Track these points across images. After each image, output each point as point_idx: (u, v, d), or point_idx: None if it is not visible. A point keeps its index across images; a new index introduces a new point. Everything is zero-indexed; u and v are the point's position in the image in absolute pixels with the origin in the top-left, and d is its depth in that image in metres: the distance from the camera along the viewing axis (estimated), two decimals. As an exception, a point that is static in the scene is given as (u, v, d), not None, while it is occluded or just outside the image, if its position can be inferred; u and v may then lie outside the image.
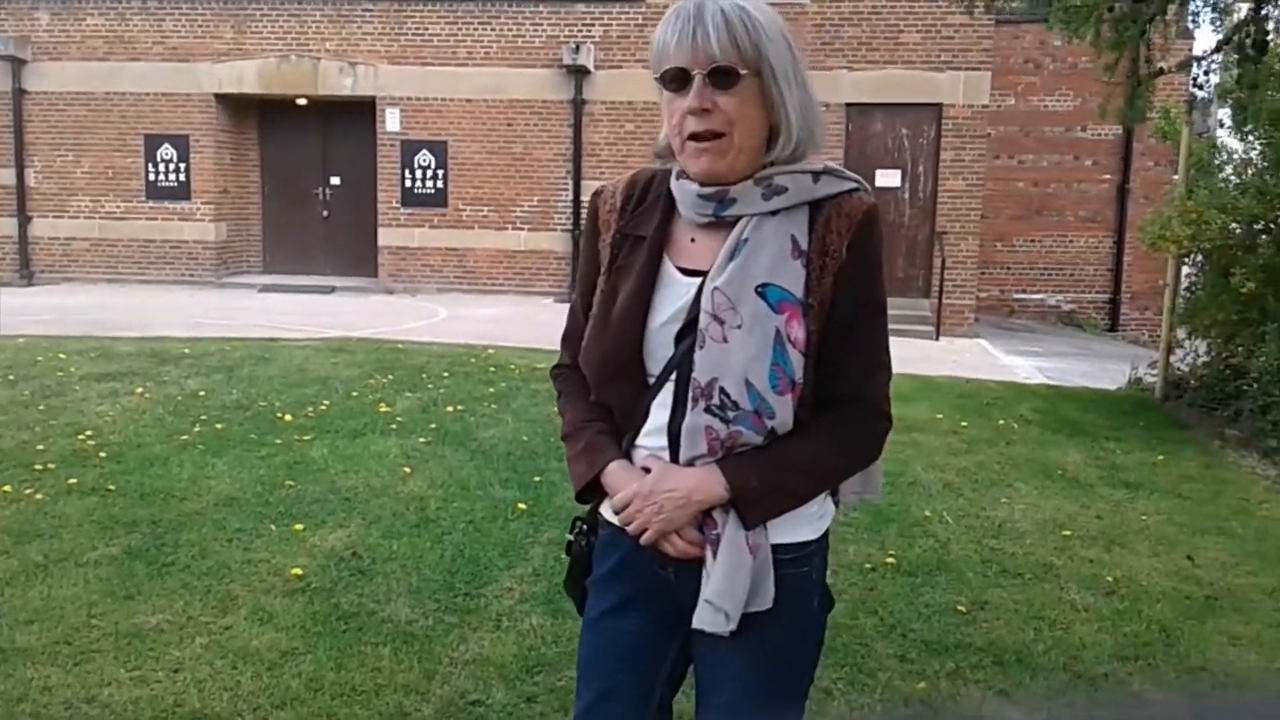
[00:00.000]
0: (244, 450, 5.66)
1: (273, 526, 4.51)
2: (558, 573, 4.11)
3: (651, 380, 1.65)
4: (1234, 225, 7.53)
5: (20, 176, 14.98)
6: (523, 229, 14.71)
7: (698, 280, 1.61)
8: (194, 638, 3.46)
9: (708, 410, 1.56)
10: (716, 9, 1.54)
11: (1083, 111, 15.38)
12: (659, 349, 1.64)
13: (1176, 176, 8.36)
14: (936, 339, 12.98)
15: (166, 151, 14.90)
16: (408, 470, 5.38)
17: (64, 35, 14.86)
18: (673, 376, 1.62)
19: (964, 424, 7.17)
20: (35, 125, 14.98)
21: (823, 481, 1.67)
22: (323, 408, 6.67)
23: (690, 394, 1.58)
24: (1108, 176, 16.14)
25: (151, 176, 14.99)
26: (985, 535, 4.83)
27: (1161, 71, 5.33)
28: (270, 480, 5.15)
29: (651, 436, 1.65)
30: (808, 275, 1.57)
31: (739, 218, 1.60)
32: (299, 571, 4.01)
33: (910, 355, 10.96)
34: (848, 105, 13.91)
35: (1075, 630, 3.82)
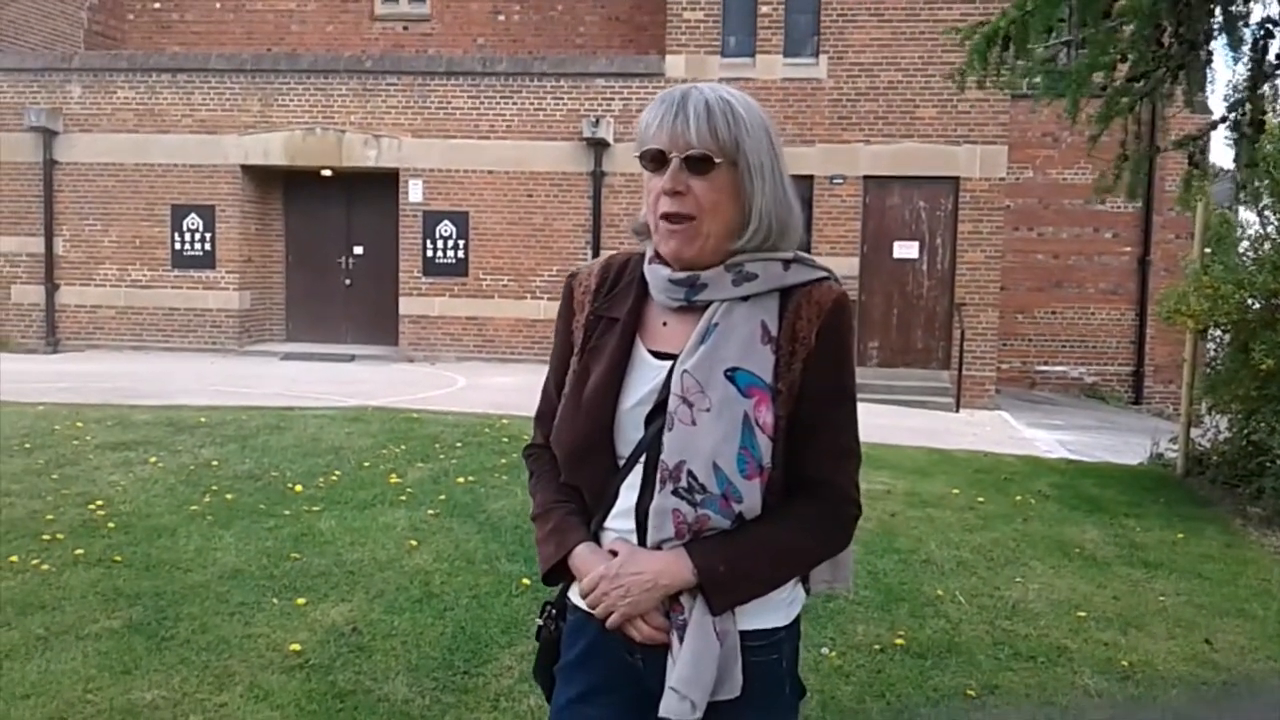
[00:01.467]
0: (252, 521, 5.65)
1: (275, 600, 4.48)
2: (559, 651, 4.06)
3: (621, 462, 1.66)
4: (1251, 300, 7.48)
5: (49, 245, 15.24)
6: (542, 298, 14.80)
7: (669, 363, 1.63)
8: (188, 716, 3.43)
9: (675, 493, 1.57)
10: (701, 98, 1.59)
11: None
12: (629, 431, 1.65)
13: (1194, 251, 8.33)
14: (957, 411, 12.89)
15: (193, 221, 15.14)
16: (414, 543, 5.35)
17: (95, 107, 15.21)
18: (642, 459, 1.63)
19: (980, 499, 7.08)
20: (65, 195, 15.27)
21: (792, 567, 1.66)
22: (334, 478, 6.66)
23: (658, 476, 1.59)
24: (1128, 249, 16.13)
25: (177, 246, 15.22)
26: (998, 616, 4.73)
27: (1157, 150, 5.35)
28: (276, 552, 5.13)
29: (620, 519, 1.65)
30: (777, 361, 1.59)
31: (710, 302, 1.63)
32: (298, 647, 3.97)
33: (930, 427, 10.89)
34: (865, 178, 14.02)
35: (1088, 717, 3.72)
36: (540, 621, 1.80)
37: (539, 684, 1.82)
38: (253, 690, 3.62)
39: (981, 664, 4.15)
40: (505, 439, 8.18)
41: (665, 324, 1.68)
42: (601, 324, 1.71)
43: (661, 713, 1.57)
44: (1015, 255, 15.77)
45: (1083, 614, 4.80)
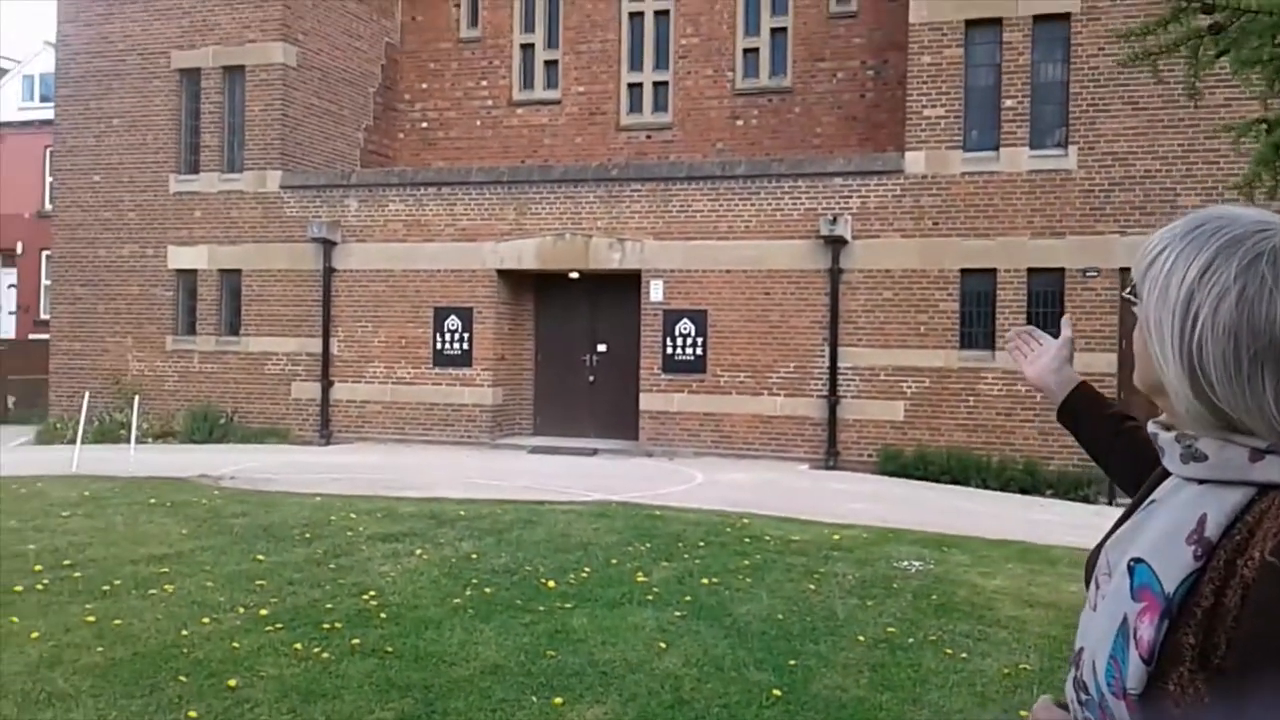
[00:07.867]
0: (510, 616, 5.90)
1: (534, 698, 4.66)
2: (811, 767, 4.01)
3: None
4: None
5: (325, 345, 16.63)
6: (779, 395, 14.84)
7: None
8: (457, 809, 3.60)
9: (1073, 681, 1.36)
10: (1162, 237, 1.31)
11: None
12: None
13: None
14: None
15: (453, 322, 16.18)
16: (663, 645, 5.43)
17: (369, 219, 16.62)
18: None
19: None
20: (341, 300, 16.67)
21: None
22: (584, 574, 6.88)
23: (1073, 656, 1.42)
24: None
25: (438, 345, 16.28)
26: None
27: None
28: (533, 649, 5.33)
29: None
30: (1201, 571, 1.19)
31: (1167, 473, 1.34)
32: (556, 747, 4.10)
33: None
34: (1121, 270, 13.41)
35: None
36: None
37: None
38: (515, 788, 3.77)
39: None
40: (747, 539, 8.21)
41: None
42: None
43: None
44: None
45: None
